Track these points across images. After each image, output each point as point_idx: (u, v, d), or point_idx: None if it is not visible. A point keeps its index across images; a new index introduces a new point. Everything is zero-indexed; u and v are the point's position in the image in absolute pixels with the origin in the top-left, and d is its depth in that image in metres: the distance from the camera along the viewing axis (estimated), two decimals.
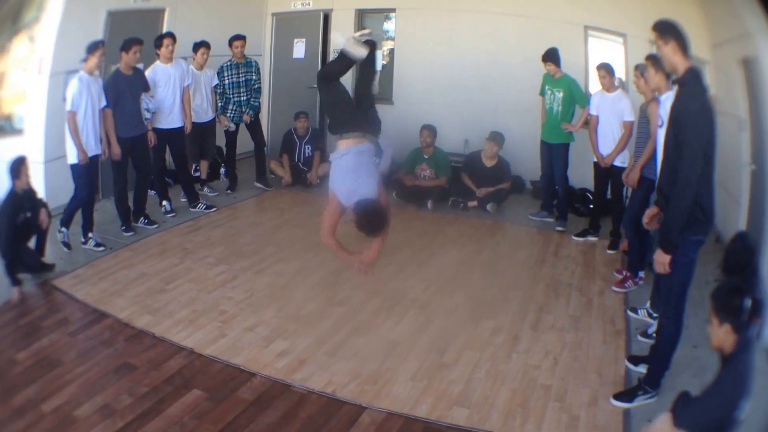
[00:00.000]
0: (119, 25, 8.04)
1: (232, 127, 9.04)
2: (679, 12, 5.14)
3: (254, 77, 9.15)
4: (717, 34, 6.88)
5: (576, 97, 7.70)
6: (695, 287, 4.42)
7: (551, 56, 7.72)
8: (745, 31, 5.87)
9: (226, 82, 8.90)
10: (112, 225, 7.42)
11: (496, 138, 8.72)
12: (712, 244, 6.00)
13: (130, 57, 7.00)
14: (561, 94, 7.73)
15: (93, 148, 6.71)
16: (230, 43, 8.89)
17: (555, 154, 7.89)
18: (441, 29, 10.13)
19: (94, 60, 6.54)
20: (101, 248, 6.89)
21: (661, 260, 4.09)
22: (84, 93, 6.51)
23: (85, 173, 6.66)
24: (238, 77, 8.96)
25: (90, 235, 6.94)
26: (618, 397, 4.42)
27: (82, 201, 6.75)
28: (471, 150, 9.39)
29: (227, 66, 8.91)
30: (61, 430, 4.06)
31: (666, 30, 3.98)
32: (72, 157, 6.57)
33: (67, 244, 6.85)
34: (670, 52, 3.97)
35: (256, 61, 9.32)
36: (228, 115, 8.98)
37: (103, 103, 6.79)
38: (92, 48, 6.54)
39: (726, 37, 6.69)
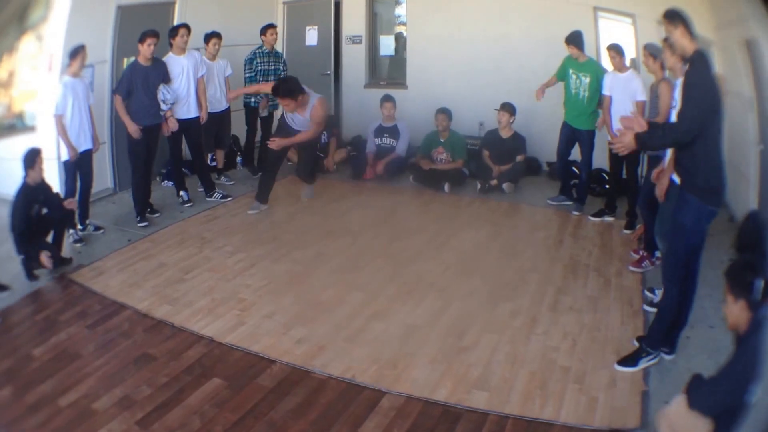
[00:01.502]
0: (130, 19, 8.05)
1: (266, 112, 9.19)
2: None
3: (282, 67, 9.26)
4: (720, 15, 6.83)
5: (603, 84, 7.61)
6: (710, 267, 4.45)
7: (574, 39, 7.61)
8: (744, 14, 5.88)
9: (259, 68, 8.98)
10: (130, 216, 7.45)
11: (504, 106, 8.71)
12: (725, 224, 5.98)
13: (145, 49, 7.14)
14: (588, 80, 7.60)
15: (83, 144, 6.89)
16: (263, 31, 9.00)
17: (582, 140, 7.80)
18: (451, 12, 10.07)
19: (76, 64, 6.76)
20: (101, 231, 7.11)
21: (628, 141, 4.37)
22: (69, 96, 6.74)
23: (74, 169, 6.84)
24: (269, 65, 9.05)
25: (87, 221, 7.09)
26: (622, 362, 4.52)
27: (71, 193, 6.84)
28: (486, 132, 9.35)
29: (259, 53, 9.01)
30: (79, 424, 4.07)
31: (675, 16, 4.32)
32: (63, 154, 6.77)
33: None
34: (679, 36, 4.31)
35: (282, 53, 9.48)
36: (265, 99, 9.11)
37: (92, 100, 7.00)
38: (74, 53, 6.74)
39: (728, 18, 6.64)
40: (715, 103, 4.13)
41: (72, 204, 6.28)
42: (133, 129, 7.14)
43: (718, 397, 3.19)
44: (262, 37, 9.01)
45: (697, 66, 4.18)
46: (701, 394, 3.26)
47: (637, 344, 4.83)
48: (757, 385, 3.03)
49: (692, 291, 4.48)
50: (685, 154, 4.30)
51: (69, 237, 6.80)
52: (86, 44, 6.84)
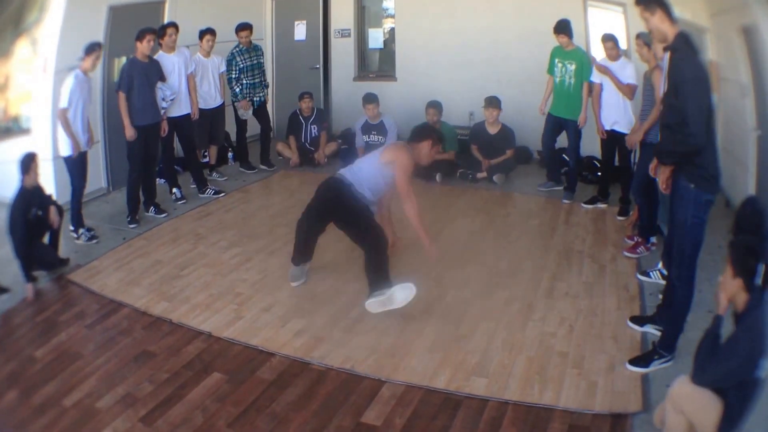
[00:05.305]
0: (121, 19, 8.06)
1: (248, 114, 9.22)
2: None
3: (262, 60, 9.40)
4: (716, 3, 6.85)
5: (585, 71, 7.55)
6: (707, 252, 4.45)
7: (563, 28, 7.62)
8: (743, 1, 5.93)
9: (240, 66, 9.01)
10: (125, 214, 7.40)
11: (491, 102, 8.71)
12: (722, 209, 6.00)
13: (144, 46, 7.12)
14: (573, 67, 7.63)
15: (81, 144, 6.74)
16: (237, 31, 9.00)
17: (569, 129, 7.85)
18: (440, 4, 10.12)
19: (90, 60, 6.63)
20: (95, 240, 6.94)
21: (664, 175, 4.28)
22: (77, 91, 6.59)
23: (79, 164, 6.79)
24: (251, 61, 9.10)
25: (81, 230, 6.95)
26: (634, 362, 4.44)
27: (79, 191, 6.84)
28: (476, 122, 9.35)
29: (237, 51, 9.03)
30: (84, 424, 4.07)
31: (649, 2, 4.10)
32: (66, 150, 6.65)
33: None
34: (658, 22, 4.10)
35: (260, 46, 9.51)
36: (246, 98, 9.16)
37: (89, 99, 6.86)
38: (90, 49, 6.61)
39: (725, 6, 6.67)
40: (709, 89, 3.99)
41: (55, 221, 6.17)
42: (130, 133, 7.09)
43: (726, 375, 3.20)
44: (237, 36, 9.05)
45: (683, 53, 4.01)
46: (708, 373, 3.27)
47: (631, 325, 4.88)
48: (765, 359, 3.05)
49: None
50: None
51: (81, 237, 6.89)
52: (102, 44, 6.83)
